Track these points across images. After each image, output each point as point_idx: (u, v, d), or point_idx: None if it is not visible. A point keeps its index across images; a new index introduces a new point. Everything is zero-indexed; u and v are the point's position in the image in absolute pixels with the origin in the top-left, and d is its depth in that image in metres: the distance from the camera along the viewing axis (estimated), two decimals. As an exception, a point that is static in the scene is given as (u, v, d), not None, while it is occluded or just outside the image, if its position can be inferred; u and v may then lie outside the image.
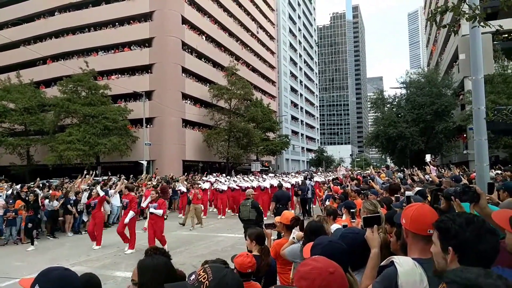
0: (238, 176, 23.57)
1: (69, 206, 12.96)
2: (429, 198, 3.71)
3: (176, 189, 18.71)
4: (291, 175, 27.63)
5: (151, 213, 9.46)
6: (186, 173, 26.92)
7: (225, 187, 17.02)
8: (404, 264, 1.78)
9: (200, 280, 1.35)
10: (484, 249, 1.39)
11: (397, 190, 5.78)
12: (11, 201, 11.94)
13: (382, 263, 2.02)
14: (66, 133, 30.97)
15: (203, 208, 15.39)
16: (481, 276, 1.06)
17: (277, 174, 26.37)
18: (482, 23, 4.31)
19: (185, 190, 16.53)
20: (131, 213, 9.92)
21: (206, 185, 17.49)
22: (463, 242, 1.42)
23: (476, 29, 5.49)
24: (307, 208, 15.49)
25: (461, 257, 1.42)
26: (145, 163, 26.86)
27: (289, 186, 17.12)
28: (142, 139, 31.47)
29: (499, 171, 12.70)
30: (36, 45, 39.23)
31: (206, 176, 22.98)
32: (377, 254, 2.20)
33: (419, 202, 2.78)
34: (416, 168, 16.79)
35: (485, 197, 2.15)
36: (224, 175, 25.50)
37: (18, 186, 14.80)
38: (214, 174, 23.91)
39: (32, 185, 15.38)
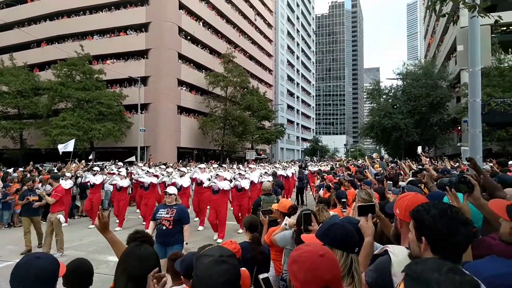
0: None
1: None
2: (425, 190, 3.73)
3: (83, 181, 12.93)
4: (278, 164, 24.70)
5: None
6: (181, 160, 26.92)
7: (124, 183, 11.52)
8: (398, 253, 1.79)
9: None
10: (457, 240, 1.42)
11: (396, 182, 5.80)
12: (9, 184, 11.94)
13: (376, 252, 2.03)
14: (60, 117, 30.68)
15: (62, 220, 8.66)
16: (430, 270, 1.07)
17: (236, 166, 20.63)
18: (481, 13, 4.28)
19: (124, 184, 11.42)
20: None
21: (97, 179, 11.73)
22: (435, 234, 1.44)
23: (475, 20, 5.47)
24: (300, 196, 15.56)
25: (433, 247, 1.45)
26: (133, 158, 25.59)
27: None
28: (137, 125, 31.32)
29: (491, 164, 12.75)
30: (30, 27, 38.59)
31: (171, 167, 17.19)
32: (370, 243, 2.21)
33: (413, 191, 2.79)
34: (409, 160, 16.88)
35: (479, 188, 2.16)
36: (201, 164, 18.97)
37: (11, 170, 14.72)
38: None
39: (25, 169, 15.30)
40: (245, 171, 13.22)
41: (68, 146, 16.77)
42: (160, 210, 5.84)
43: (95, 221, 10.61)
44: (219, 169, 14.82)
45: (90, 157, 23.01)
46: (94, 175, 11.95)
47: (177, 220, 5.61)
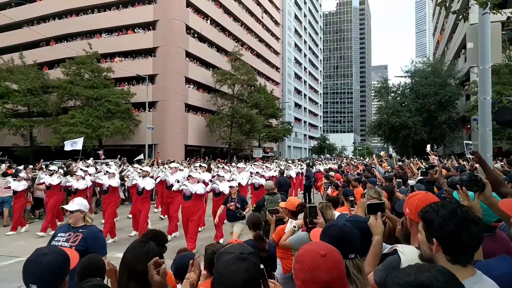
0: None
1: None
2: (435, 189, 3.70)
3: (37, 182, 11.42)
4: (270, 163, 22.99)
5: None
6: (188, 158, 27.01)
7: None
8: (408, 253, 1.79)
9: None
10: (467, 239, 1.41)
11: (405, 180, 5.77)
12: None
13: (385, 251, 2.02)
14: (69, 115, 31.03)
15: None
16: (420, 273, 1.08)
17: (219, 165, 18.73)
18: (493, 10, 4.23)
19: (80, 186, 10.06)
20: None
21: (54, 180, 10.40)
22: (446, 234, 1.43)
23: (485, 17, 5.41)
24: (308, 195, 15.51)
25: (445, 248, 1.44)
26: (141, 156, 25.36)
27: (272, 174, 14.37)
28: (144, 123, 31.49)
29: (502, 163, 12.55)
30: (39, 26, 38.95)
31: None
32: (379, 242, 2.20)
33: (423, 191, 2.77)
34: (417, 158, 16.76)
35: (490, 187, 2.14)
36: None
37: (21, 167, 14.89)
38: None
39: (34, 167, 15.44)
40: (231, 171, 11.88)
41: (77, 144, 16.88)
42: (58, 235, 3.53)
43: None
44: (196, 169, 13.10)
45: (100, 153, 23.16)
46: (50, 175, 10.67)
47: (83, 252, 3.05)
